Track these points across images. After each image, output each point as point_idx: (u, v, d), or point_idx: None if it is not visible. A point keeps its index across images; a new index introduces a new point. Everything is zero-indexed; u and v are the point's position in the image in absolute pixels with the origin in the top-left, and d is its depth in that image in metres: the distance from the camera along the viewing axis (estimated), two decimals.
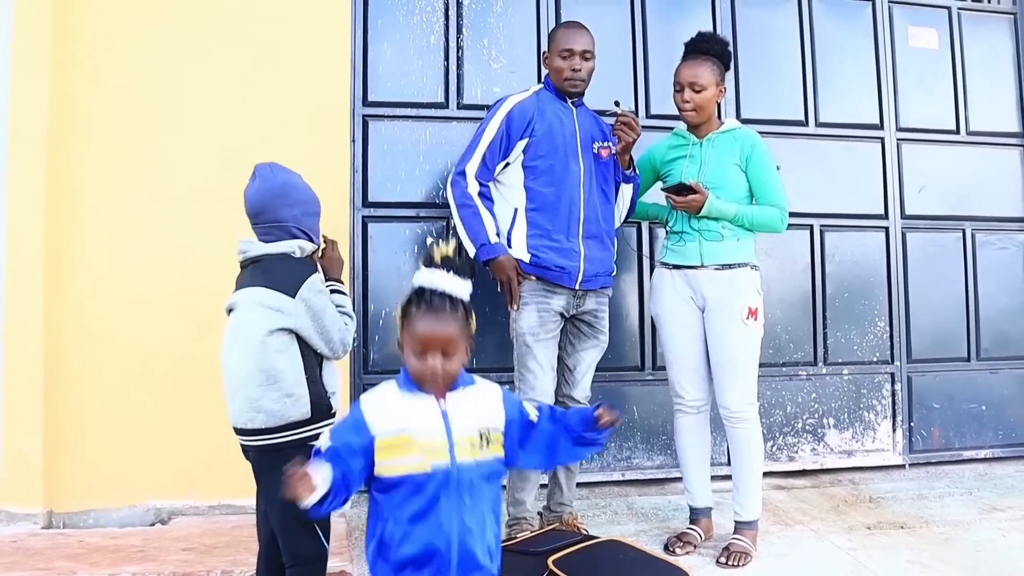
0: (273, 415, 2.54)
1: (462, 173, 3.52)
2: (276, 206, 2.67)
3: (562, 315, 3.57)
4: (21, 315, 3.70)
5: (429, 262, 2.06)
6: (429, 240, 2.64)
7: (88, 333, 3.78)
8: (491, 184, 3.56)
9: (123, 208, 3.84)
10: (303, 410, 2.57)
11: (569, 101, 3.63)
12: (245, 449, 2.64)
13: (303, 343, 2.60)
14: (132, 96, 3.89)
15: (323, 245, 2.84)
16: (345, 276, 3.94)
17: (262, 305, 2.57)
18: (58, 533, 3.60)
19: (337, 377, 2.73)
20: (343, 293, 2.79)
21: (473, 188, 3.50)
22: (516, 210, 3.56)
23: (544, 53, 3.67)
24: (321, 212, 2.78)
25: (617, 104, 3.61)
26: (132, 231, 3.84)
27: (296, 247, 2.66)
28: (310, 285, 2.60)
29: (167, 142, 3.90)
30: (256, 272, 2.64)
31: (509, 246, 3.52)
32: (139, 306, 3.82)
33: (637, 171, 3.76)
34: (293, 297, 2.57)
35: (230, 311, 2.66)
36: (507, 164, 3.57)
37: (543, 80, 3.70)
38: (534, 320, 3.51)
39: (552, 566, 2.85)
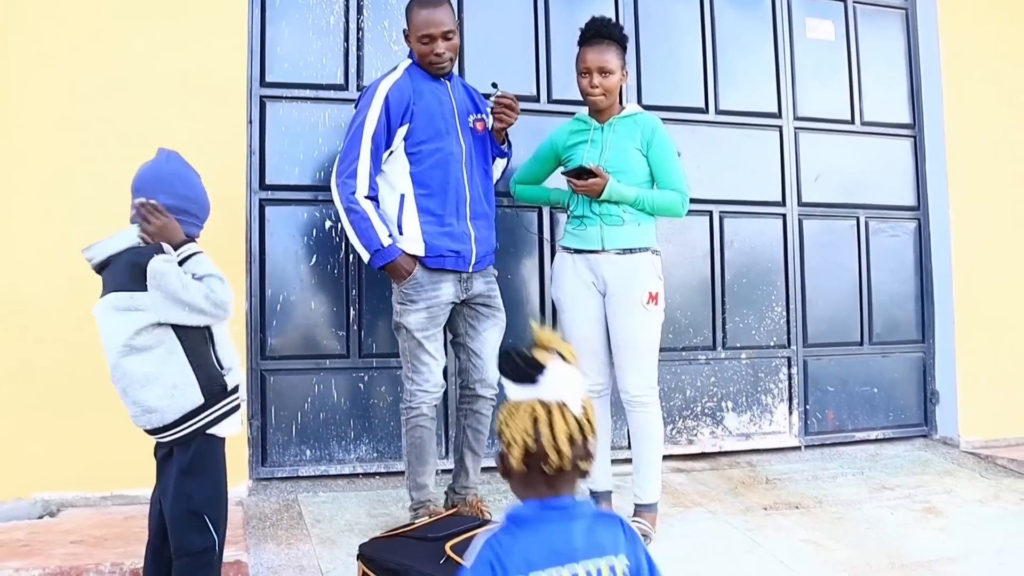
0: (164, 412, 2.47)
1: (352, 175, 3.40)
2: (152, 189, 2.56)
3: (453, 303, 3.55)
4: None
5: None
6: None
7: None
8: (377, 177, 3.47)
9: (6, 194, 3.69)
10: (194, 398, 2.50)
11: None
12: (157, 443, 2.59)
13: (180, 328, 2.50)
14: (23, 74, 3.74)
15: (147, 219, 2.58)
16: (241, 260, 3.88)
17: (117, 309, 2.48)
18: None
19: (233, 351, 2.64)
20: (196, 253, 2.57)
21: (362, 191, 3.39)
22: (403, 196, 3.48)
23: (404, 29, 3.56)
24: (205, 220, 2.67)
25: (495, 86, 3.60)
26: (18, 217, 3.70)
27: (137, 236, 2.55)
28: (152, 272, 2.45)
29: (58, 119, 3.75)
30: (107, 277, 2.55)
31: (400, 233, 3.45)
32: (24, 293, 3.67)
33: (511, 146, 3.75)
34: (146, 290, 2.46)
35: None
36: (391, 152, 3.48)
37: (410, 54, 3.58)
38: (423, 318, 3.47)
39: (449, 551, 2.82)
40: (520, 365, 1.68)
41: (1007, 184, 5.24)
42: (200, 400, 2.50)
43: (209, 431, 2.53)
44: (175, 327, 2.48)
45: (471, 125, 3.57)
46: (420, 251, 3.45)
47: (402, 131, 3.45)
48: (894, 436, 5.21)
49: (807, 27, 5.15)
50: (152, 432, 2.52)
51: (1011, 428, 5.17)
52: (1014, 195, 5.25)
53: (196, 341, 2.53)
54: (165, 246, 2.55)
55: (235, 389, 2.61)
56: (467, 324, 3.62)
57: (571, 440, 1.64)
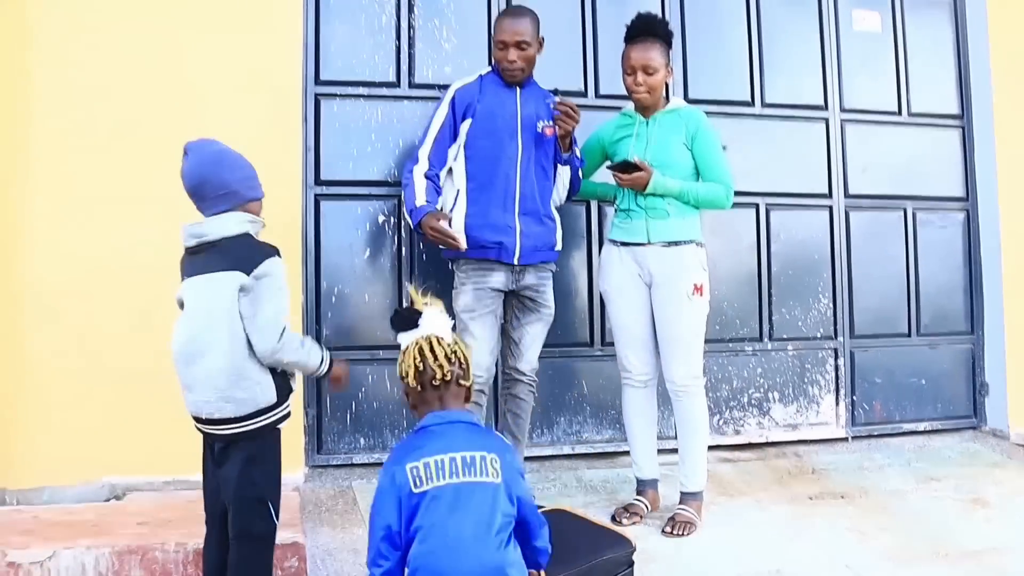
0: (243, 403, 2.55)
1: (415, 158, 3.66)
2: (216, 171, 2.63)
3: (501, 291, 3.66)
4: None
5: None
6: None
7: (41, 309, 3.76)
8: (444, 171, 3.68)
9: (77, 187, 3.81)
10: (270, 395, 2.58)
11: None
12: (208, 435, 2.66)
13: None
14: (88, 74, 3.85)
15: None
16: (297, 254, 4.00)
17: (231, 289, 2.53)
18: (12, 509, 3.59)
19: None
20: (308, 342, 2.70)
21: (420, 168, 3.63)
22: (458, 191, 3.68)
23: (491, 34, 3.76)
24: (261, 185, 2.76)
25: (556, 92, 3.71)
26: (85, 209, 3.82)
27: (248, 223, 2.63)
28: (269, 265, 2.56)
29: (120, 121, 3.87)
30: (214, 256, 2.58)
31: (450, 226, 3.59)
32: (93, 282, 3.80)
33: (579, 155, 3.85)
34: (249, 274, 2.54)
35: (182, 303, 2.63)
36: (458, 148, 3.68)
37: (492, 62, 3.78)
38: (470, 299, 3.62)
39: None
40: (404, 316, 2.42)
41: None
42: (274, 399, 2.59)
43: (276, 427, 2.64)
44: None
45: (539, 131, 3.69)
46: (463, 244, 3.59)
47: (465, 125, 3.67)
48: (942, 428, 5.20)
49: (854, 19, 5.15)
50: (214, 422, 2.58)
51: None
52: None
53: None
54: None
55: (293, 392, 2.72)
56: (513, 314, 3.73)
57: (448, 359, 2.34)
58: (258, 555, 2.64)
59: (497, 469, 2.25)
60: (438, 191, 3.65)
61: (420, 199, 3.57)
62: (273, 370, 2.60)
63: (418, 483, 2.20)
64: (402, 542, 2.21)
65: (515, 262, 3.64)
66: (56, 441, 3.75)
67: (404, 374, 2.37)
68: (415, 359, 2.35)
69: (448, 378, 2.35)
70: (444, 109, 3.69)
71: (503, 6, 4.37)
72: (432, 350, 2.35)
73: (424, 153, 3.65)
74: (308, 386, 4.16)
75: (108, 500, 3.79)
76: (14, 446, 3.71)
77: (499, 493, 2.23)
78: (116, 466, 3.83)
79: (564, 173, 3.84)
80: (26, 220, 3.79)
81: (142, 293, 3.77)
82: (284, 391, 2.64)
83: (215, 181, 2.62)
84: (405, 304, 4.20)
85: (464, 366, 2.40)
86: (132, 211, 3.84)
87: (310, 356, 2.67)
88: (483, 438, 2.34)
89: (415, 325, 2.40)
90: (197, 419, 2.63)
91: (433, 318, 2.42)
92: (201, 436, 2.69)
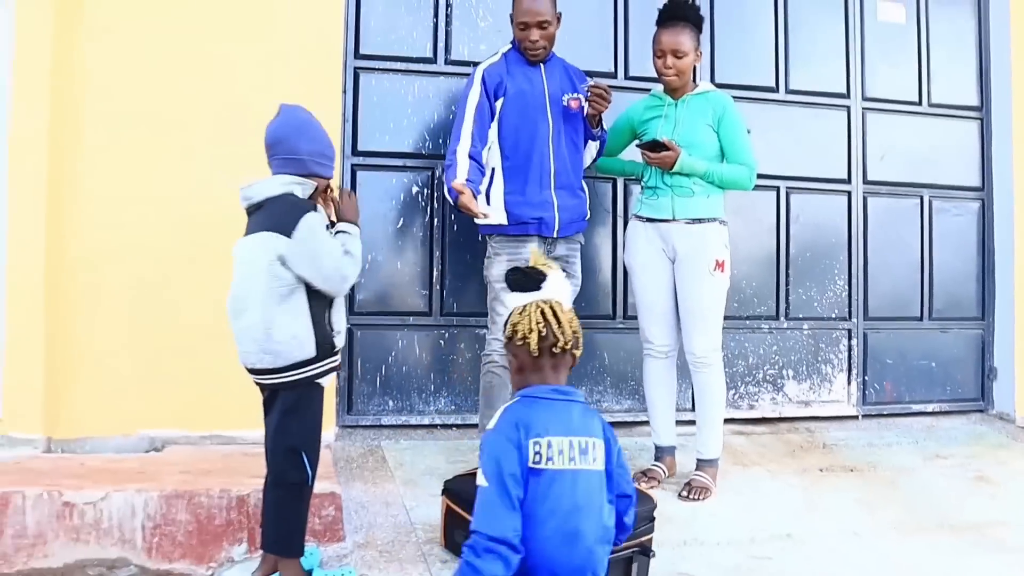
0: (280, 356, 2.69)
1: (457, 137, 3.72)
2: (295, 137, 2.78)
3: None
4: (23, 244, 3.77)
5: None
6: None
7: (88, 264, 3.87)
8: (485, 149, 3.75)
9: (125, 144, 3.91)
10: (308, 350, 2.71)
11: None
12: (257, 384, 2.82)
13: (309, 286, 2.71)
14: (134, 43, 3.94)
15: (335, 190, 2.92)
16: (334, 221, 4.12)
17: (265, 250, 2.67)
18: (59, 457, 3.74)
19: (343, 317, 2.87)
20: (349, 233, 2.84)
21: (463, 148, 3.69)
22: (493, 169, 3.77)
23: (511, 13, 3.82)
24: (334, 161, 2.91)
25: (588, 77, 3.85)
26: (134, 166, 3.92)
27: (297, 185, 2.76)
28: (305, 224, 2.67)
29: (165, 88, 3.96)
30: (259, 217, 2.74)
31: (488, 203, 3.72)
32: (139, 238, 3.90)
33: (605, 130, 3.95)
34: (290, 237, 2.66)
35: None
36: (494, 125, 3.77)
37: (512, 40, 3.87)
38: (504, 270, 3.71)
39: None
40: (529, 275, 2.35)
41: None
42: (312, 354, 2.73)
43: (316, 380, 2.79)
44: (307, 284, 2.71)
45: (565, 104, 3.78)
46: (503, 220, 3.73)
47: (499, 103, 3.75)
48: (950, 410, 5.32)
49: (878, 9, 5.24)
50: (257, 372, 2.75)
51: None
52: None
53: (319, 301, 2.75)
54: (320, 208, 2.80)
55: (338, 351, 2.86)
56: None
57: (570, 327, 2.28)
58: (290, 502, 2.79)
59: (601, 456, 2.23)
60: (481, 170, 3.73)
61: (461, 179, 3.64)
62: (316, 327, 2.73)
63: (538, 460, 2.16)
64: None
65: (554, 235, 3.77)
66: (98, 395, 3.88)
67: (522, 337, 2.27)
68: (539, 324, 2.26)
69: (568, 346, 2.28)
70: (476, 89, 3.75)
71: None
72: (555, 316, 2.27)
73: (467, 132, 3.70)
74: (341, 350, 4.28)
75: (148, 452, 3.94)
76: (60, 398, 3.84)
77: (603, 480, 2.23)
78: (155, 420, 3.95)
79: (592, 147, 3.97)
80: (77, 177, 3.88)
81: (188, 252, 3.89)
82: (325, 348, 2.77)
83: (288, 145, 2.79)
84: (438, 268, 4.43)
85: (579, 336, 2.32)
86: (178, 172, 3.94)
87: (355, 251, 2.80)
88: (593, 422, 2.28)
89: (536, 287, 2.32)
90: (247, 369, 2.79)
91: (557, 283, 2.36)
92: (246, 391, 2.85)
